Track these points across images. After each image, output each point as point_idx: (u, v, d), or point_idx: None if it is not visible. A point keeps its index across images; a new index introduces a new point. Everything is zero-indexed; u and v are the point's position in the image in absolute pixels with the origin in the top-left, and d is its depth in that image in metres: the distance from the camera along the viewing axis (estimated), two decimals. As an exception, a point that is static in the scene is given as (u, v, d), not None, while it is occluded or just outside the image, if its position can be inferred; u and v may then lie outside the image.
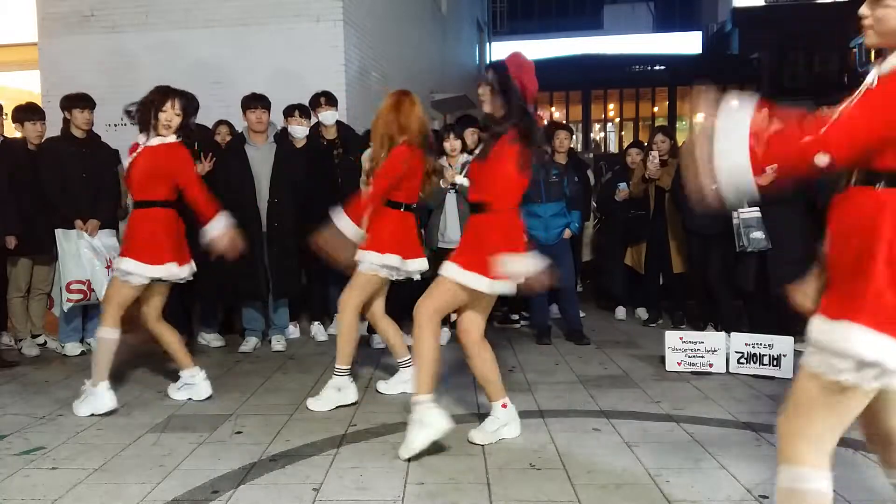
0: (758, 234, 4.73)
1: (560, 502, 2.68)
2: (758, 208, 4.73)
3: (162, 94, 3.86)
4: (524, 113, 3.13)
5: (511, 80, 3.11)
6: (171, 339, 4.05)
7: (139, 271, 3.78)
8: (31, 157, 5.15)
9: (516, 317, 6.28)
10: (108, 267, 5.14)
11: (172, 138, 3.89)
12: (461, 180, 3.36)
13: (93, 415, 3.75)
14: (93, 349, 5.26)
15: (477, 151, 3.33)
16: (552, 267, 3.30)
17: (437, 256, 5.33)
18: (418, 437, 3.07)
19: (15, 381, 4.53)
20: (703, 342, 4.50)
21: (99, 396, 3.79)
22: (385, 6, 10.05)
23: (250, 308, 5.38)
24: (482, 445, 3.24)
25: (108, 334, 3.84)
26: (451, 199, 5.22)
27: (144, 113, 3.84)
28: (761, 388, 4.14)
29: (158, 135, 3.85)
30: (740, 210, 4.77)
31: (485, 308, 3.33)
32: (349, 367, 3.92)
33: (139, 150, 3.88)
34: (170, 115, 3.83)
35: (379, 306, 4.11)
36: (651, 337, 5.52)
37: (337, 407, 3.82)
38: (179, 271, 3.94)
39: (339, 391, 3.88)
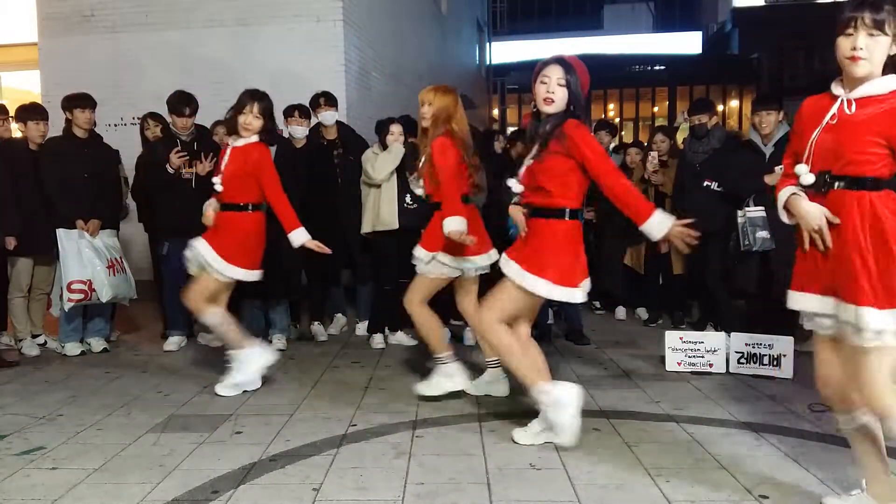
0: (763, 234, 4.72)
1: (560, 502, 2.68)
2: (763, 207, 4.73)
3: (245, 97, 4.02)
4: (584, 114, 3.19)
5: (579, 82, 3.14)
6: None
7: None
8: (32, 157, 5.15)
9: None
10: (109, 267, 5.15)
11: (254, 138, 4.05)
12: (516, 187, 3.26)
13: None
14: (93, 349, 5.29)
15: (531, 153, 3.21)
16: None
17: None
18: (564, 418, 3.13)
19: (15, 381, 4.53)
20: (703, 342, 4.50)
21: (255, 355, 4.09)
22: (385, 6, 10.05)
23: (250, 308, 5.37)
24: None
25: (212, 318, 4.08)
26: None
27: (231, 116, 4.04)
28: (761, 388, 4.14)
29: (240, 136, 4.04)
30: (746, 209, 4.77)
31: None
32: (447, 352, 3.97)
33: (227, 153, 4.09)
34: (248, 118, 3.98)
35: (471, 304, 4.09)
36: (651, 337, 5.52)
37: (448, 393, 3.92)
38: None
39: (450, 378, 3.94)
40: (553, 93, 3.08)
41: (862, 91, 2.25)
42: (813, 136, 2.33)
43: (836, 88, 2.33)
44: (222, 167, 4.07)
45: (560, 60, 3.11)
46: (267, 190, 4.05)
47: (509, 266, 3.20)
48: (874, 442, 2.40)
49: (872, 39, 2.20)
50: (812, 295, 2.38)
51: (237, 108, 4.02)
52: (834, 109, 2.30)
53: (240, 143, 4.04)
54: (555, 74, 3.09)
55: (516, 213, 3.28)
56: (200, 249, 4.02)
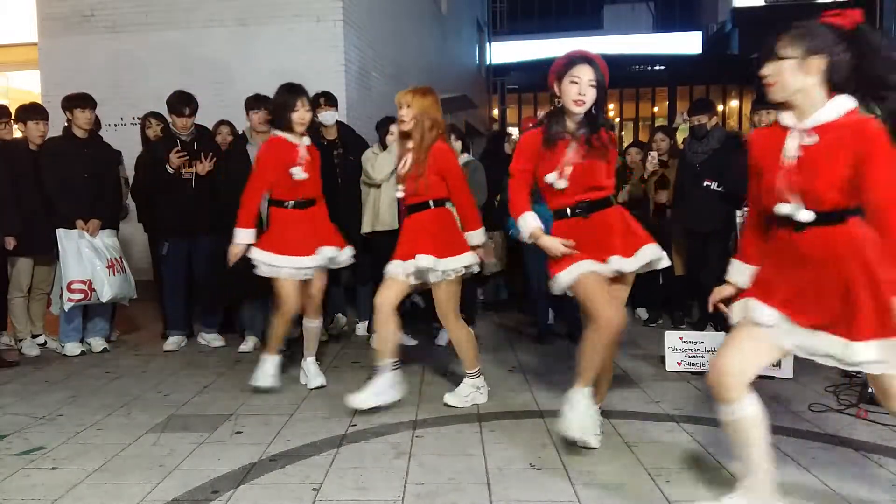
0: None
1: (560, 502, 2.68)
2: None
3: (292, 94, 4.02)
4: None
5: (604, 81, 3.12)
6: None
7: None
8: (32, 157, 5.16)
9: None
10: (109, 267, 5.15)
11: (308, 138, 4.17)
12: (559, 183, 3.09)
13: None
14: (93, 349, 5.29)
15: (569, 153, 3.09)
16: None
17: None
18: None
19: (15, 381, 4.53)
20: (703, 342, 4.49)
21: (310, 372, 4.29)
22: (385, 6, 10.05)
23: (250, 308, 5.37)
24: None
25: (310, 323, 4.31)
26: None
27: (280, 113, 4.04)
28: (761, 388, 4.11)
29: (294, 132, 4.06)
30: (745, 209, 4.77)
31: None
32: (479, 367, 3.91)
33: (301, 148, 4.06)
34: (302, 113, 4.02)
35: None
36: (651, 337, 5.51)
37: (473, 405, 3.85)
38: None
39: (479, 391, 3.90)
40: (584, 95, 3.03)
41: (815, 119, 2.23)
42: (780, 172, 2.27)
43: (787, 119, 2.30)
44: (302, 161, 4.03)
45: (589, 60, 3.04)
46: (322, 190, 4.27)
47: (621, 262, 3.08)
48: (757, 433, 2.36)
49: (777, 64, 2.26)
50: (792, 324, 2.30)
51: (287, 107, 3.99)
52: (791, 142, 2.25)
53: (308, 140, 4.13)
54: (586, 76, 3.02)
55: (552, 242, 3.09)
56: (331, 253, 4.15)
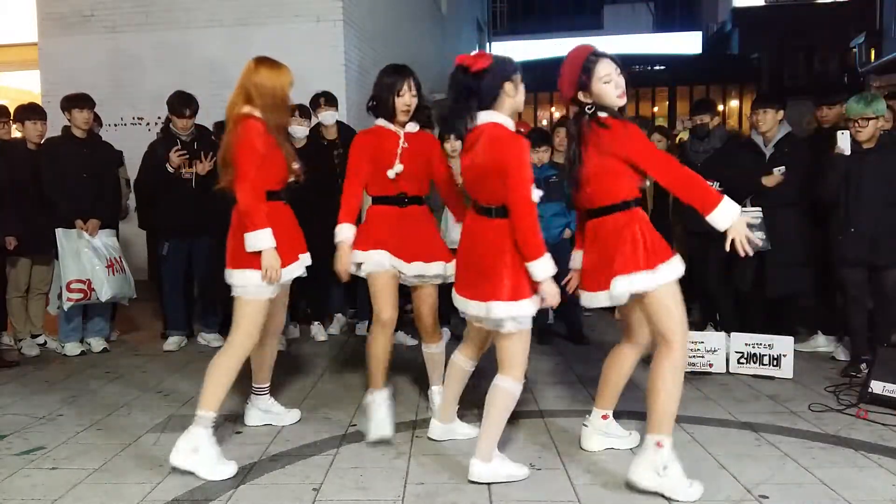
0: (759, 235, 4.72)
1: (560, 502, 2.68)
2: (760, 209, 4.73)
3: (394, 76, 3.50)
4: None
5: None
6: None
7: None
8: (31, 157, 5.16)
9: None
10: (108, 266, 5.15)
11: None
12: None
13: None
14: (93, 349, 5.28)
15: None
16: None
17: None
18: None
19: (15, 381, 4.53)
20: (703, 342, 4.49)
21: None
22: (385, 6, 10.05)
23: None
24: None
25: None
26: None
27: (386, 97, 3.48)
28: (761, 388, 4.14)
29: (398, 121, 3.48)
30: (743, 209, 4.77)
31: None
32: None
33: (402, 137, 3.47)
34: (408, 97, 3.47)
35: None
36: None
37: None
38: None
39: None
40: (621, 85, 2.88)
41: None
42: None
43: None
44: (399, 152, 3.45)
45: (600, 54, 2.88)
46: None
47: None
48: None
49: None
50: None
51: (391, 90, 3.47)
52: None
53: (411, 128, 3.52)
54: (610, 67, 2.85)
55: None
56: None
